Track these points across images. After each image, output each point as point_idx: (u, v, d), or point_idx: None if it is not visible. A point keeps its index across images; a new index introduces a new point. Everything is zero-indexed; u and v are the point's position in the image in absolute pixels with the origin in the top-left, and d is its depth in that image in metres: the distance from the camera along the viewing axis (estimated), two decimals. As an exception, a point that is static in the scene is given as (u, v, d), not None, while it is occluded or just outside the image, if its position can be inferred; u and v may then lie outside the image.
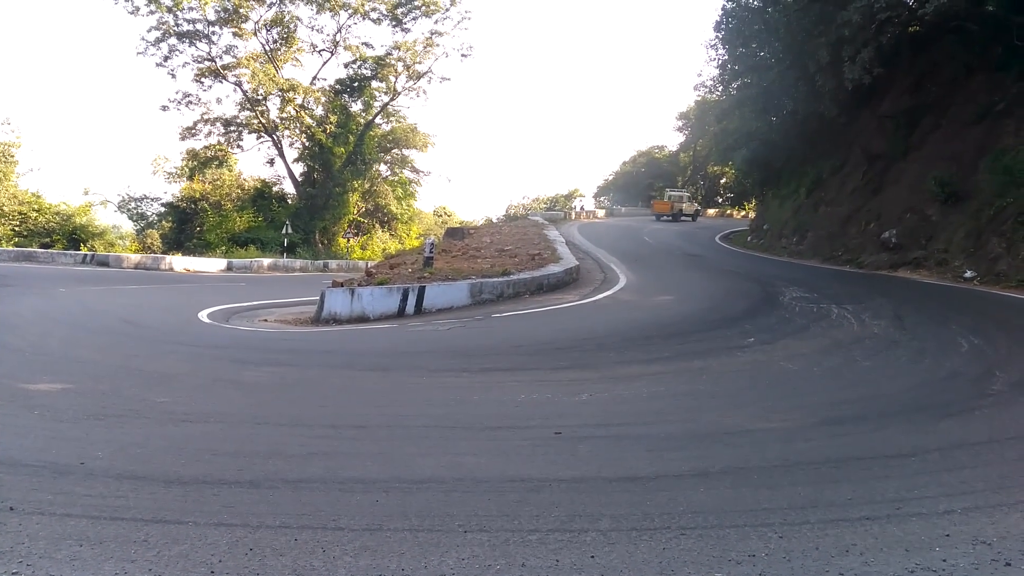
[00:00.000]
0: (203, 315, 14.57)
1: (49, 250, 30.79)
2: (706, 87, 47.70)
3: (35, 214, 34.21)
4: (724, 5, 28.97)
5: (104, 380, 7.79)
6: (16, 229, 32.92)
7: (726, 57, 32.34)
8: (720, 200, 71.10)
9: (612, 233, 37.90)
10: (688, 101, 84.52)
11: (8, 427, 5.55)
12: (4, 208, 32.57)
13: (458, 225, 48.74)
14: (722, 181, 70.57)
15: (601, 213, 59.55)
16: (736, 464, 4.83)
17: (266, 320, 14.84)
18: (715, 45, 32.62)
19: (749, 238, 34.87)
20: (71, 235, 34.49)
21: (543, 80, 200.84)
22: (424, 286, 14.80)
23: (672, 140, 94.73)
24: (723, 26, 29.76)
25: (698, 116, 61.38)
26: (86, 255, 29.91)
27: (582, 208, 63.10)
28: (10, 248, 29.22)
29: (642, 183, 72.95)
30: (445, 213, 76.33)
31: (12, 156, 34.85)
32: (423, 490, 4.21)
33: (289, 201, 49.39)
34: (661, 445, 5.36)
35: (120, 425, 5.79)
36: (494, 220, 56.41)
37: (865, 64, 20.86)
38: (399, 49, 46.95)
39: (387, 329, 12.70)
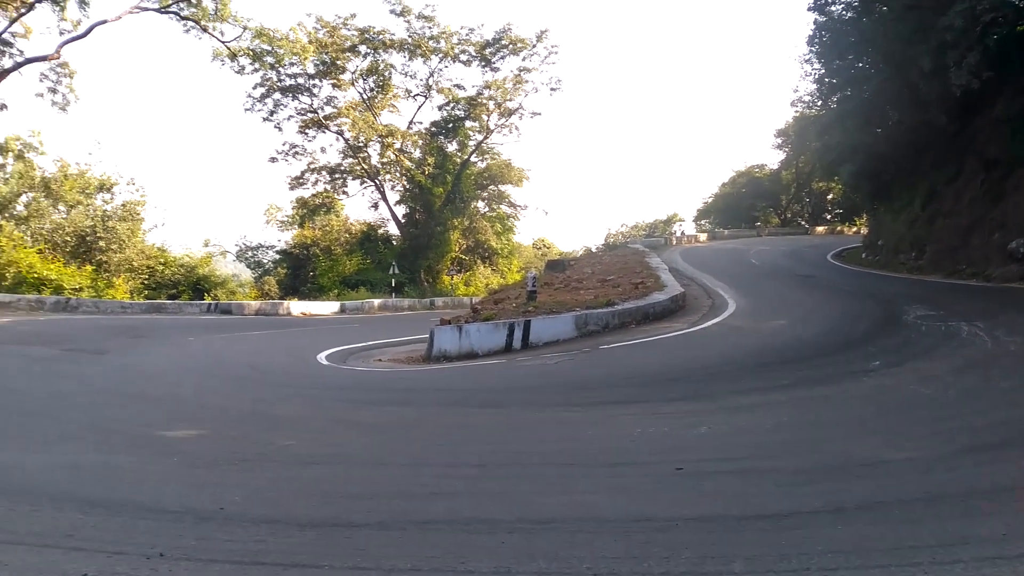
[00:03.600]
0: (321, 357, 15.11)
1: (176, 301, 32.61)
2: (804, 102, 46.27)
3: (161, 267, 36.43)
4: (816, 19, 28.15)
5: (234, 425, 8.18)
6: (145, 282, 35.11)
7: (822, 71, 31.42)
8: (828, 217, 68.52)
9: (716, 257, 37.08)
10: (786, 117, 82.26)
11: (151, 474, 5.89)
12: (134, 263, 34.81)
13: (558, 257, 48.95)
14: (829, 197, 68.01)
15: (703, 237, 58.41)
16: (873, 498, 4.58)
17: (380, 360, 15.25)
18: (809, 59, 31.79)
19: (863, 255, 33.38)
20: (195, 285, 36.47)
21: (635, 105, 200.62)
22: (529, 320, 14.87)
23: (772, 158, 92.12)
24: (816, 40, 28.95)
25: (797, 132, 59.48)
26: (210, 304, 31.53)
27: (683, 233, 62.08)
28: (141, 301, 31.15)
29: (744, 204, 71.18)
30: (544, 245, 76.76)
31: (139, 214, 37.36)
32: (547, 530, 4.18)
33: (394, 242, 50.90)
34: (790, 479, 5.15)
35: (252, 469, 6.04)
36: (593, 250, 56.32)
37: (972, 68, 19.78)
38: (490, 88, 47.91)
39: (496, 365, 12.81)
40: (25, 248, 30.66)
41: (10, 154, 42.04)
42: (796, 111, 54.98)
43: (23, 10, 27.65)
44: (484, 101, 48.57)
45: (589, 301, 17.80)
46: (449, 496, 5.07)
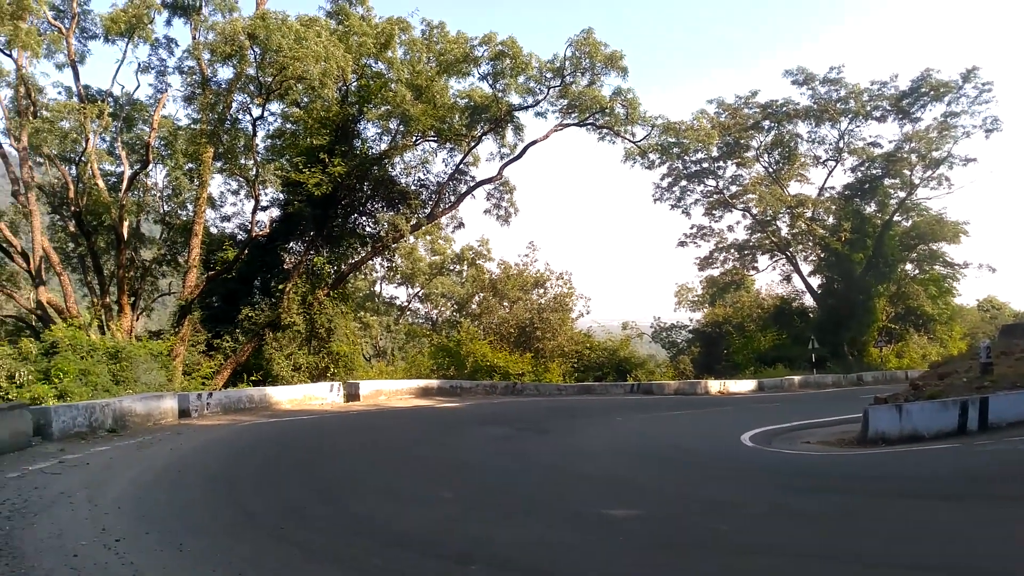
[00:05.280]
0: (745, 438, 14.85)
1: (603, 382, 34.96)
2: None
3: (588, 351, 39.42)
4: None
5: (666, 506, 8.42)
6: (575, 365, 38.28)
7: None
8: None
9: None
10: None
11: (599, 553, 6.31)
12: (565, 349, 38.29)
13: (1014, 320, 41.93)
14: None
15: None
16: None
17: (808, 442, 14.48)
18: None
19: None
20: (618, 367, 38.61)
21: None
22: (986, 397, 12.88)
23: None
24: None
25: None
26: (632, 385, 33.17)
27: None
28: (573, 384, 34.00)
29: None
30: (992, 306, 66.13)
31: (567, 305, 41.21)
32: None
33: (810, 315, 48.49)
34: None
35: (690, 554, 6.15)
36: (1064, 308, 46.96)
37: None
38: (910, 141, 43.68)
39: (948, 450, 11.29)
40: (479, 341, 35.80)
41: (465, 262, 50.10)
42: None
43: (473, 144, 33.24)
44: (904, 155, 44.43)
45: (1066, 372, 14.81)
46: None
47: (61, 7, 27.66)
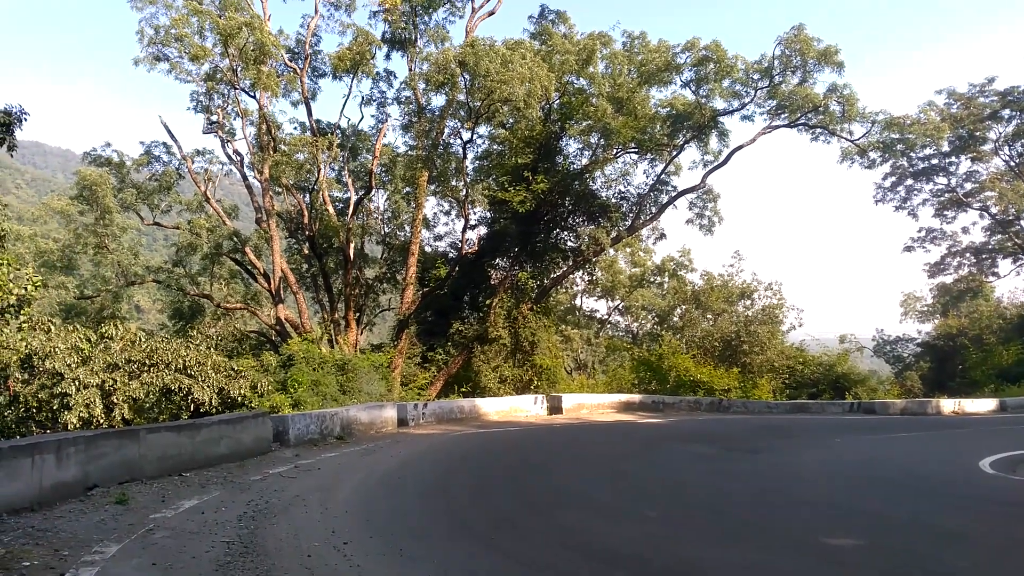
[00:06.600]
0: (984, 464, 13.44)
1: (818, 400, 32.83)
2: None
3: (801, 367, 37.25)
4: None
5: (893, 535, 7.82)
6: (786, 382, 36.32)
7: None
8: None
9: None
10: None
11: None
12: (775, 364, 36.43)
13: None
14: None
15: None
16: None
17: (1062, 472, 12.80)
18: None
19: None
20: (834, 384, 36.15)
21: None
22: None
23: None
24: None
25: None
26: (852, 403, 30.85)
27: None
28: (785, 401, 32.22)
29: None
30: None
31: (777, 317, 39.25)
32: None
33: (1068, 324, 42.82)
34: None
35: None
36: None
37: None
38: None
39: None
40: (682, 354, 35.02)
41: (666, 273, 49.35)
42: None
43: (674, 153, 32.88)
44: None
45: None
46: None
47: (295, 49, 30.85)
